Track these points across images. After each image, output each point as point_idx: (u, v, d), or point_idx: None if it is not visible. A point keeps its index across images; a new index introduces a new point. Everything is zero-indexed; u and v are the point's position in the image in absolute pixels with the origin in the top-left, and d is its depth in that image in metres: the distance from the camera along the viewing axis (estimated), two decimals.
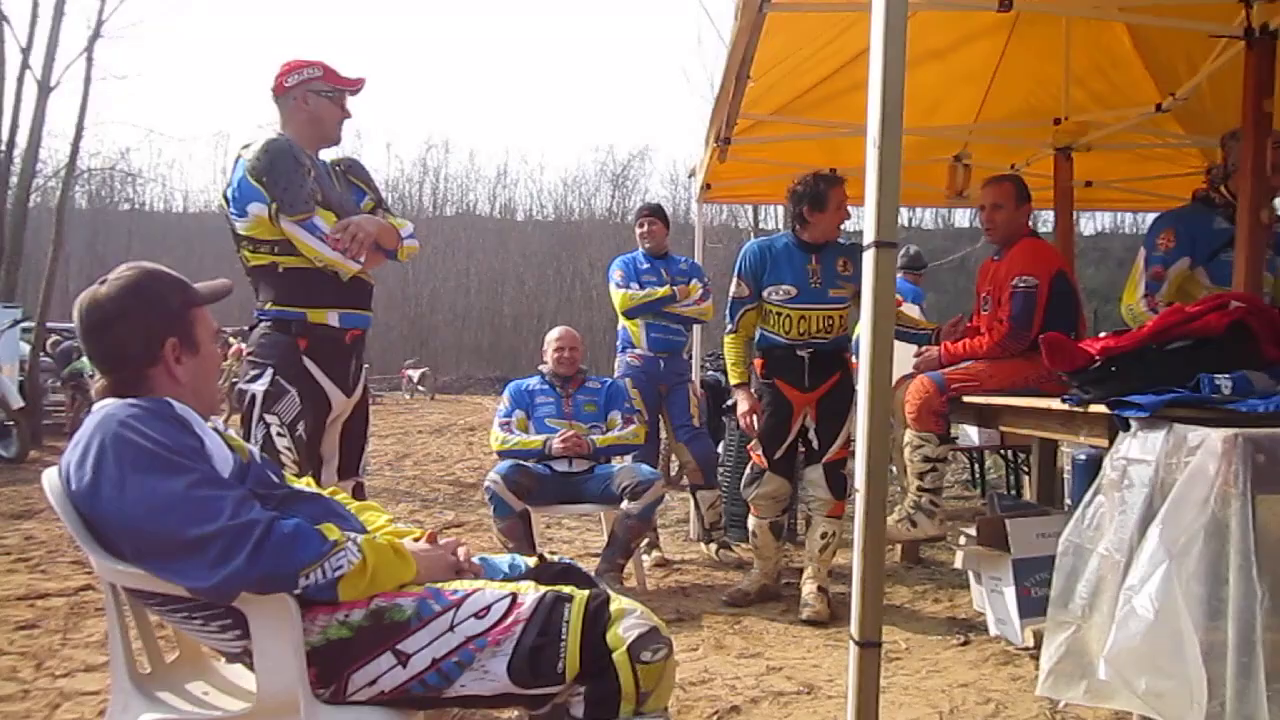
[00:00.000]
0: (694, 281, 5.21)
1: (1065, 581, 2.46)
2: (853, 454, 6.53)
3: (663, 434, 5.33)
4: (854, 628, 1.76)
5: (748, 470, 4.27)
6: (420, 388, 25.05)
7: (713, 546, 5.20)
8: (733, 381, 4.24)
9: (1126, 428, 2.45)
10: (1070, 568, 2.46)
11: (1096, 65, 5.00)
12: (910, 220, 32.43)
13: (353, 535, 1.75)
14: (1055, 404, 2.86)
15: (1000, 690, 3.12)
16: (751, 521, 4.25)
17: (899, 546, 4.98)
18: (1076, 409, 2.70)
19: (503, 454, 4.54)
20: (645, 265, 5.16)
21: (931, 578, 4.70)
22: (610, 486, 4.39)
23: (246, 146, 2.94)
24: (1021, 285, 3.71)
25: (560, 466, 4.50)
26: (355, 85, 3.08)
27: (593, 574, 4.30)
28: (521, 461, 4.44)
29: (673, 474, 6.65)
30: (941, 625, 3.92)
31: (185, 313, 1.86)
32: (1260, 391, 2.44)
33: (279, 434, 2.92)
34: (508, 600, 1.75)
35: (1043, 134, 5.00)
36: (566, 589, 1.81)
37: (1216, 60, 3.63)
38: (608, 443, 4.56)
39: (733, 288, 4.21)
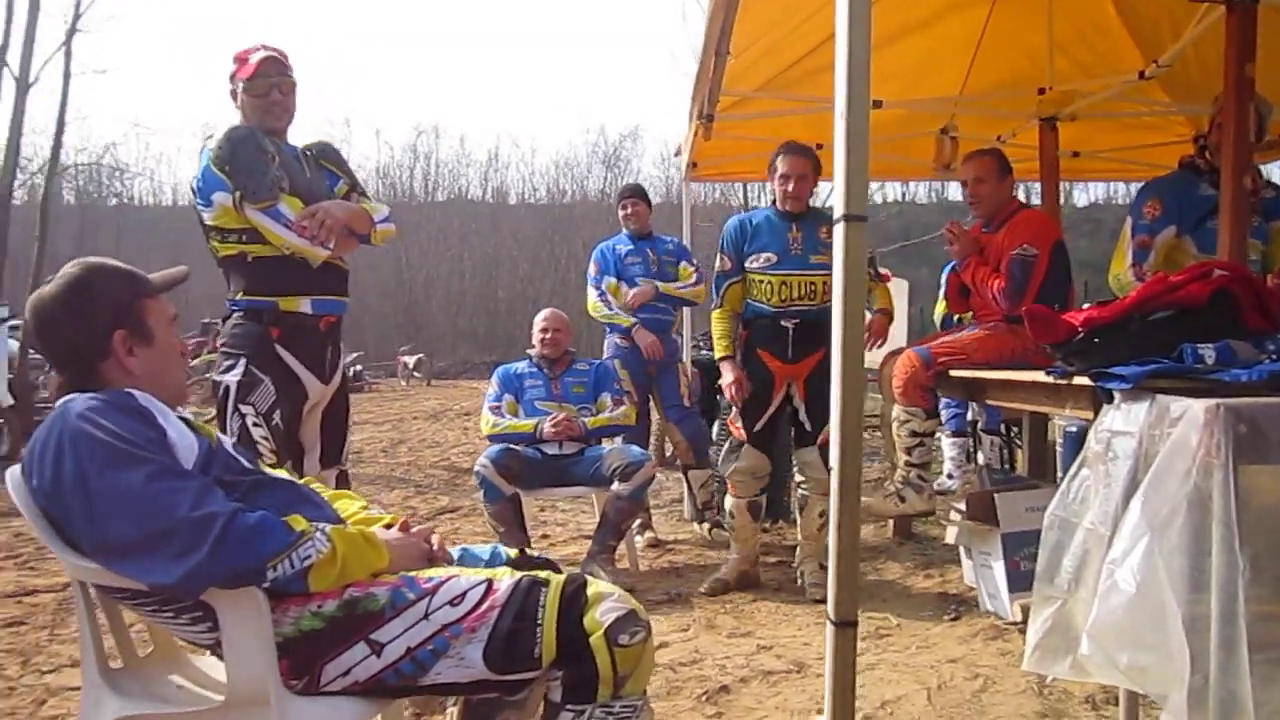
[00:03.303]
0: (684, 264, 5.19)
1: (1050, 556, 2.44)
2: None
3: (654, 414, 5.31)
4: (830, 607, 1.74)
5: (726, 444, 4.25)
6: (416, 374, 25.00)
7: (705, 526, 5.19)
8: (718, 355, 4.22)
9: (1110, 400, 2.43)
10: (1055, 542, 2.45)
11: (1081, 33, 4.95)
12: (904, 195, 32.36)
13: (321, 525, 1.73)
14: (1041, 377, 2.84)
15: (989, 665, 3.12)
16: (729, 501, 4.16)
17: (891, 523, 4.97)
18: (1061, 381, 2.68)
19: (493, 438, 4.52)
20: (629, 248, 5.14)
21: (924, 553, 4.69)
22: (601, 468, 4.37)
23: (210, 137, 2.92)
24: (1021, 255, 3.66)
25: (550, 449, 4.49)
26: (240, 73, 3.03)
27: (585, 556, 4.38)
28: (511, 445, 4.42)
29: (667, 454, 6.64)
30: (932, 601, 3.92)
31: (134, 304, 1.84)
32: (1244, 360, 2.42)
33: (255, 424, 2.91)
34: (483, 586, 1.74)
35: (1028, 104, 4.96)
36: (543, 574, 1.79)
37: (1198, 25, 3.58)
38: (598, 424, 4.54)
39: (717, 263, 4.21)
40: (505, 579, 1.75)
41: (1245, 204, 3.15)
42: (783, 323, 4.00)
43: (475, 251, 37.09)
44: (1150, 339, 2.51)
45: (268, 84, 3.03)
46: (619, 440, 4.64)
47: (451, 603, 1.71)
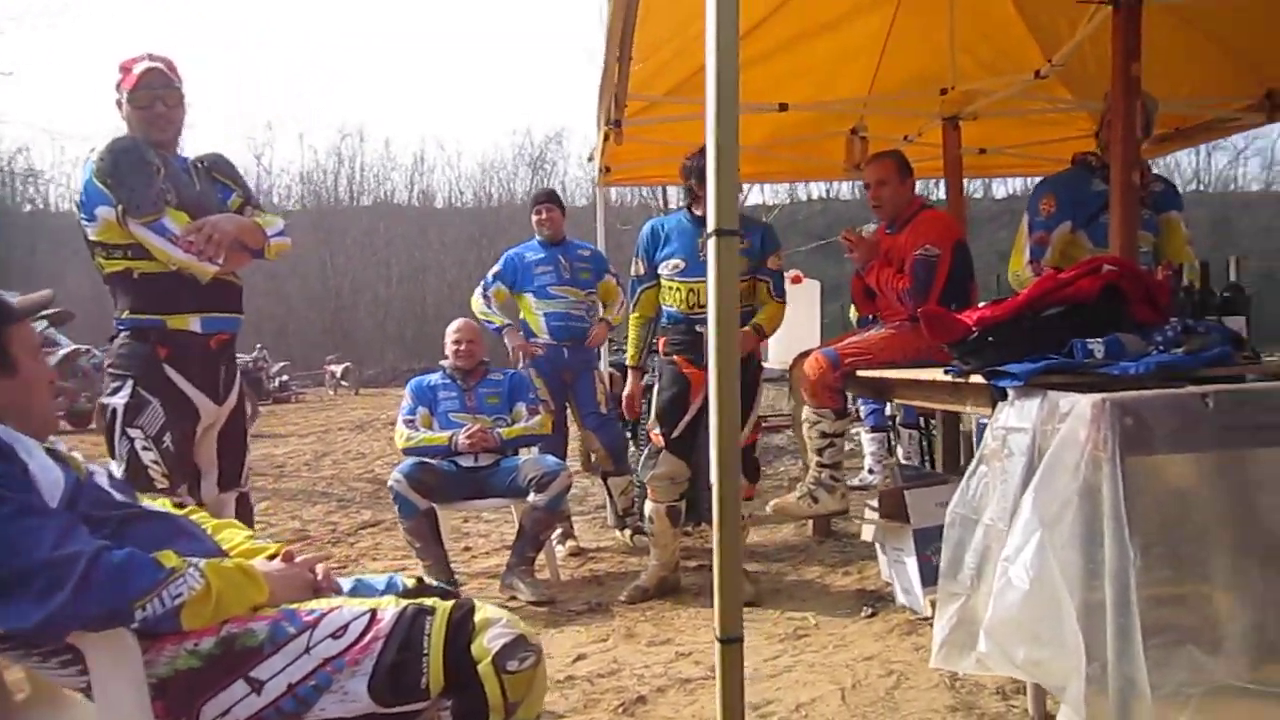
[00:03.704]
0: (607, 277, 5.20)
1: (953, 552, 2.47)
2: (766, 431, 6.50)
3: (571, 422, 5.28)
4: (716, 624, 1.73)
5: (645, 451, 4.23)
6: (344, 383, 24.61)
7: (627, 533, 5.17)
8: (628, 362, 4.19)
9: (1005, 397, 2.47)
10: (957, 539, 2.47)
11: (983, 33, 5.03)
12: (828, 192, 32.74)
13: (194, 560, 1.67)
14: (941, 375, 2.87)
15: (903, 661, 3.14)
16: (649, 506, 4.12)
17: (810, 521, 5.00)
18: (960, 380, 2.71)
19: (408, 452, 4.45)
20: (540, 255, 5.11)
21: (843, 550, 4.73)
22: (517, 479, 4.32)
23: (93, 150, 2.81)
24: (924, 254, 3.71)
25: (466, 461, 4.42)
26: (124, 83, 2.94)
27: (504, 568, 4.33)
28: (426, 459, 4.35)
29: (593, 460, 6.61)
30: (850, 598, 3.94)
31: None
32: (1132, 354, 2.47)
33: (144, 448, 2.81)
34: (366, 617, 1.69)
35: (932, 104, 5.03)
36: (430, 601, 1.75)
37: (1089, 25, 3.66)
38: (514, 434, 4.49)
39: (632, 267, 4.21)
40: (389, 609, 1.70)
41: (1135, 199, 3.22)
42: (697, 328, 3.98)
43: (402, 256, 36.61)
44: (1042, 335, 2.55)
45: (151, 95, 2.93)
46: (535, 450, 4.60)
47: (334, 635, 1.66)
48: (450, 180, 50.00)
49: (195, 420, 2.95)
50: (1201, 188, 35.37)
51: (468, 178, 45.56)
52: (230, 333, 3.04)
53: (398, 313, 35.76)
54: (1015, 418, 2.40)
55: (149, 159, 2.81)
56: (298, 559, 1.88)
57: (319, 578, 1.85)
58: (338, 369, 24.81)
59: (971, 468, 2.49)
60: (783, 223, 24.10)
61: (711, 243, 1.66)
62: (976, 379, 2.59)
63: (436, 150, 69.94)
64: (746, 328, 3.99)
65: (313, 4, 65.45)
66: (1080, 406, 2.14)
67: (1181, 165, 35.16)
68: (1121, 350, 2.47)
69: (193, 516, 2.04)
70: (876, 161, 3.95)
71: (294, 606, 1.72)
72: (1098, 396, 2.11)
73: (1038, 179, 4.25)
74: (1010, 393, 2.43)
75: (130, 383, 2.84)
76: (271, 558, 1.90)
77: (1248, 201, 34.83)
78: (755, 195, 23.17)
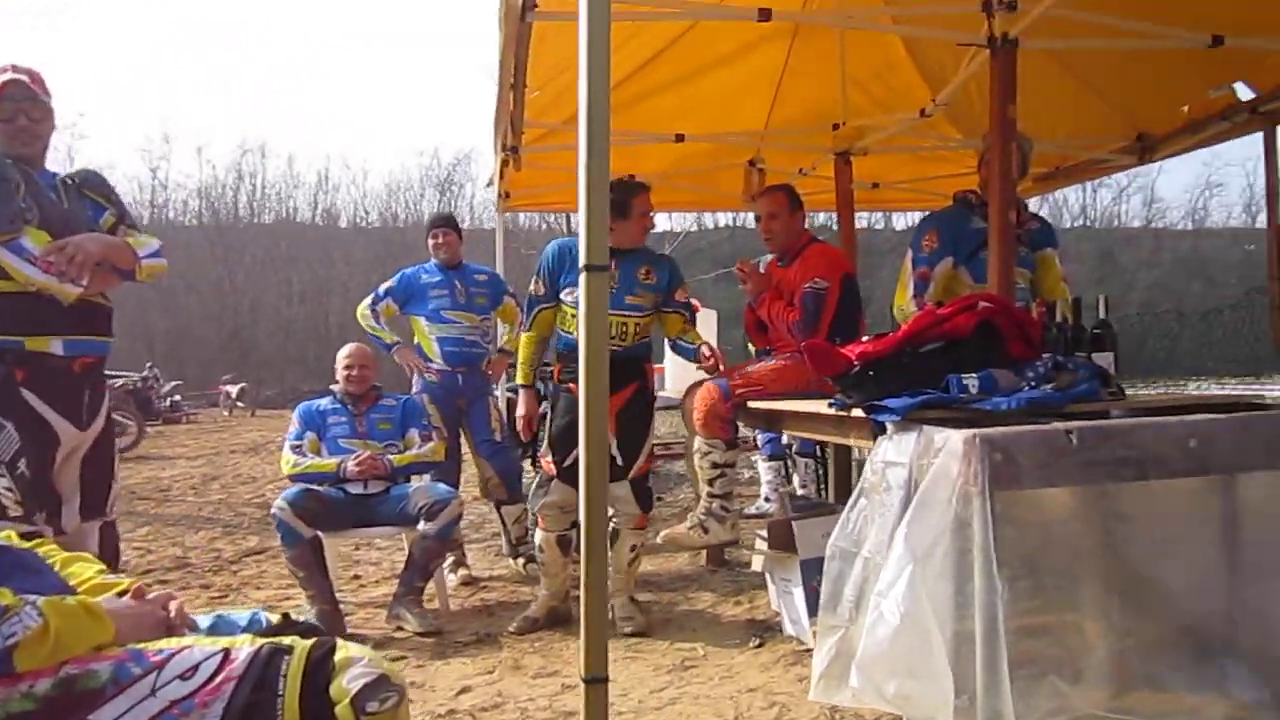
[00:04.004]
0: (506, 299, 5.16)
1: (833, 585, 2.48)
2: (665, 459, 6.49)
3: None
4: (580, 665, 1.70)
5: (536, 479, 4.19)
6: (239, 403, 23.91)
7: (520, 561, 5.10)
8: (519, 381, 4.14)
9: (884, 431, 2.51)
10: (837, 572, 2.49)
11: (874, 71, 5.17)
12: (735, 220, 33.25)
13: (32, 598, 1.57)
14: (827, 408, 2.90)
15: (786, 693, 3.15)
16: (539, 535, 4.06)
17: (704, 551, 5.01)
18: (843, 413, 2.74)
19: (294, 478, 4.31)
20: (436, 278, 5.04)
21: (735, 580, 4.74)
22: (406, 507, 4.23)
23: None
24: (813, 287, 3.77)
25: (355, 489, 4.31)
26: None
27: (392, 599, 4.23)
28: (312, 486, 4.23)
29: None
30: (740, 628, 3.95)
31: None
32: (1005, 389, 2.54)
33: None
34: (219, 657, 1.61)
35: (824, 139, 5.13)
36: (288, 639, 1.68)
37: (969, 67, 3.78)
38: (405, 461, 4.40)
39: (531, 285, 4.13)
40: (244, 648, 1.63)
41: (1012, 236, 3.33)
42: None
43: (305, 275, 35.89)
44: (921, 370, 2.60)
45: (13, 108, 2.80)
46: (427, 478, 4.52)
47: (182, 676, 1.58)
48: (355, 200, 49.22)
49: (55, 445, 2.81)
50: (1088, 223, 37.02)
51: (373, 197, 44.91)
52: (96, 356, 2.91)
53: (299, 333, 35.01)
54: (894, 452, 2.43)
55: (6, 175, 2.68)
56: (149, 595, 1.79)
57: (171, 615, 1.77)
58: (233, 389, 24.11)
59: (852, 500, 2.52)
60: (689, 249, 24.42)
61: (582, 278, 1.65)
62: (858, 413, 2.62)
63: (342, 169, 68.54)
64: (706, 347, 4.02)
65: (211, 14, 63.89)
66: (953, 442, 2.18)
67: (1069, 201, 36.76)
68: (995, 386, 2.53)
69: (40, 550, 1.93)
70: (768, 195, 4.01)
71: (141, 646, 1.64)
72: (969, 432, 2.15)
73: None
74: (889, 427, 2.46)
75: None
76: (122, 594, 1.81)
77: (1129, 236, 36.58)
78: (663, 222, 23.33)
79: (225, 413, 23.61)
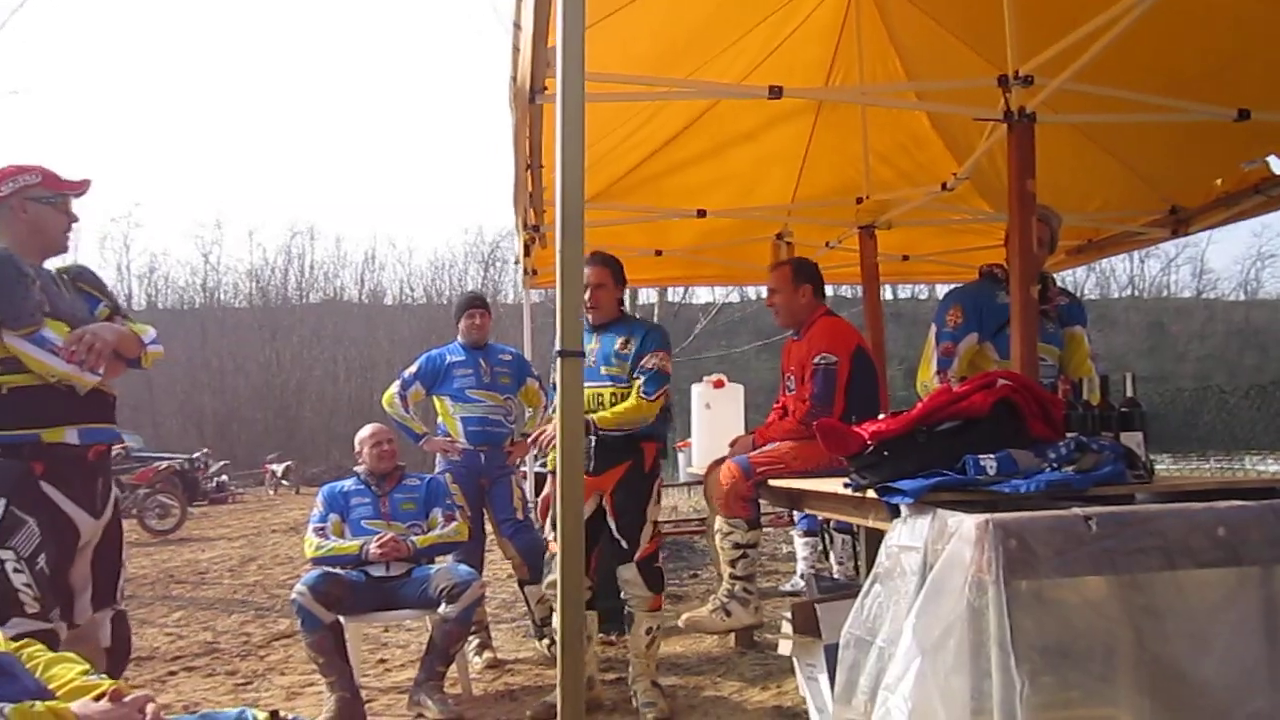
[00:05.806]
0: (529, 381, 5.14)
1: (847, 675, 2.39)
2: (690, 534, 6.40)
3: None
4: None
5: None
6: (284, 482, 24.09)
7: (545, 643, 5.01)
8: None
9: (898, 513, 2.42)
10: (852, 660, 2.39)
11: (900, 144, 5.17)
12: (757, 295, 33.21)
13: (1, 706, 1.54)
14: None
15: None
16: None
17: (732, 633, 4.88)
18: (858, 494, 2.66)
19: (317, 561, 4.29)
20: (460, 357, 5.05)
21: (763, 663, 4.60)
22: (428, 590, 4.18)
23: None
24: (822, 363, 3.72)
25: (377, 571, 4.27)
26: (79, 188, 2.91)
27: (412, 685, 4.15)
28: (333, 569, 4.20)
29: None
30: (767, 715, 3.82)
31: None
32: (1024, 471, 2.44)
33: (16, 570, 2.65)
34: None
35: (849, 213, 5.12)
36: None
37: (988, 141, 3.75)
38: (429, 542, 4.36)
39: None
40: None
41: (1034, 312, 3.25)
42: (589, 434, 3.88)
43: (350, 354, 36.41)
44: (936, 450, 2.51)
45: (68, 221, 2.90)
46: (450, 558, 4.46)
47: None
48: (401, 278, 50.11)
49: (75, 539, 2.82)
50: (1136, 293, 36.48)
51: (418, 275, 45.60)
52: (108, 443, 2.93)
53: (345, 410, 35.35)
54: (908, 536, 2.35)
55: (24, 269, 2.74)
56: (127, 697, 1.75)
57: (148, 718, 1.73)
58: (278, 468, 24.32)
59: (866, 586, 2.43)
60: (728, 320, 24.36)
61: (558, 362, 1.63)
62: (874, 493, 2.54)
63: (388, 247, 70.02)
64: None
65: (262, 102, 66.09)
66: (965, 526, 2.09)
67: (1117, 271, 36.29)
68: (1014, 467, 2.44)
69: (25, 651, 1.90)
70: (773, 270, 4.01)
71: None
72: (982, 516, 2.06)
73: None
74: (903, 509, 2.38)
75: (2, 502, 2.69)
76: (99, 697, 1.77)
77: (1180, 307, 35.96)
78: (704, 294, 23.34)
79: (270, 491, 23.80)
